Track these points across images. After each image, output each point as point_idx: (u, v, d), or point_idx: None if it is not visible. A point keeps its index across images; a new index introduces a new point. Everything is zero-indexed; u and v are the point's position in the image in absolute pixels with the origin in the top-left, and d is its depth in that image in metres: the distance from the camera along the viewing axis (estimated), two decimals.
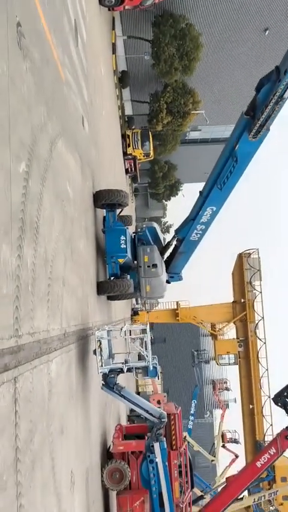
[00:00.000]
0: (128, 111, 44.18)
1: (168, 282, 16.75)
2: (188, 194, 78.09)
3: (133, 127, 42.73)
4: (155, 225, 15.47)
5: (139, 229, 14.91)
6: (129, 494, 12.00)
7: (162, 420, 10.11)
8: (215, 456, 35.44)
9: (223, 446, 34.76)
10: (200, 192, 13.01)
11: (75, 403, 8.61)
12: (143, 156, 40.02)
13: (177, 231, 14.87)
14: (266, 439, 33.24)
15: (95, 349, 9.55)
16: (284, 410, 19.09)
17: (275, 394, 19.92)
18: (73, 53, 11.08)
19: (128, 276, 15.20)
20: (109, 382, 9.80)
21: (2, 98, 5.07)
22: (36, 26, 7.09)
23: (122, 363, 9.93)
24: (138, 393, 41.90)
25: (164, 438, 10.09)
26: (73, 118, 10.47)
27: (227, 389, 37.72)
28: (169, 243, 15.50)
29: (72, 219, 9.34)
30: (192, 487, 18.04)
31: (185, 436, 34.21)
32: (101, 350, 9.47)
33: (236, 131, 11.33)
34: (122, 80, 37.33)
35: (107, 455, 13.21)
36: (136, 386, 40.62)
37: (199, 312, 38.94)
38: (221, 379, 36.87)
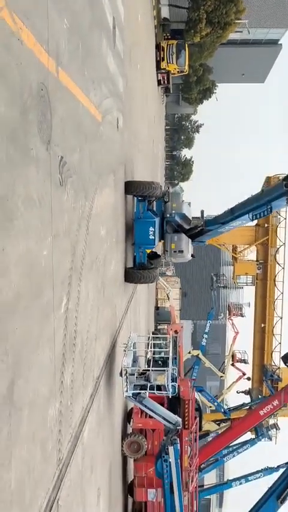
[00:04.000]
0: (165, 14, 40.51)
1: (193, 256, 17.24)
2: (222, 97, 73.94)
3: (167, 35, 39.59)
4: (185, 208, 15.49)
5: (168, 214, 15.10)
6: (144, 461, 13.99)
7: (178, 428, 11.52)
8: (224, 373, 38.63)
9: (232, 365, 37.68)
10: (232, 209, 12.94)
11: (103, 430, 9.91)
12: (177, 72, 37.66)
13: (206, 223, 15.00)
14: (273, 363, 35.61)
15: (121, 372, 10.62)
16: None
17: (285, 354, 21.35)
18: (110, 63, 10.53)
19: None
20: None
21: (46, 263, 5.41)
22: (81, 118, 6.97)
23: (145, 380, 11.06)
24: (157, 308, 44.40)
25: (178, 440, 11.57)
26: (109, 143, 10.33)
27: (241, 315, 39.70)
28: (197, 227, 15.70)
29: (104, 261, 9.79)
30: (200, 429, 20.42)
31: (198, 354, 37.10)
32: (126, 377, 10.55)
33: (275, 194, 10.97)
34: None
35: (127, 420, 15.11)
36: (155, 300, 42.88)
37: (222, 234, 39.20)
38: (237, 304, 38.66)
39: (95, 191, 8.55)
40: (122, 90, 13.02)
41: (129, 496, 14.96)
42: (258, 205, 11.48)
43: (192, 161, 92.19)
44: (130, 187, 13.70)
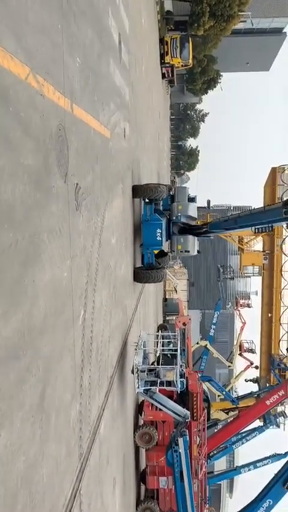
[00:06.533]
0: (168, 7, 40.60)
1: (198, 251, 17.84)
2: (227, 86, 73.74)
3: (171, 26, 39.78)
4: (191, 209, 16.07)
5: (174, 217, 15.71)
6: (155, 451, 14.81)
7: (186, 421, 12.26)
8: (232, 362, 39.43)
9: (240, 354, 38.46)
10: (236, 220, 13.39)
11: (117, 423, 10.67)
12: (182, 66, 37.92)
13: (210, 226, 15.59)
14: (280, 353, 36.30)
15: (133, 370, 11.35)
16: None
17: None
18: (117, 77, 11.09)
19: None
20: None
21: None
22: (93, 141, 7.59)
23: (155, 376, 11.79)
24: (165, 299, 45.12)
25: (187, 432, 12.31)
26: (117, 155, 10.93)
27: (249, 306, 40.35)
28: (202, 227, 16.30)
29: (115, 266, 10.46)
30: (209, 419, 21.23)
31: (206, 344, 37.86)
32: (138, 374, 11.28)
33: (275, 217, 11.26)
34: None
35: (139, 412, 15.90)
36: (163, 292, 43.59)
37: None
38: (244, 293, 39.23)
39: (106, 205, 9.20)
40: (128, 99, 13.58)
41: (141, 484, 15.82)
42: (260, 222, 12.03)
43: (198, 150, 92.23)
44: (137, 191, 14.32)
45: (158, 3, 32.34)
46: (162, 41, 36.44)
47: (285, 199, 11.43)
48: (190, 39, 37.15)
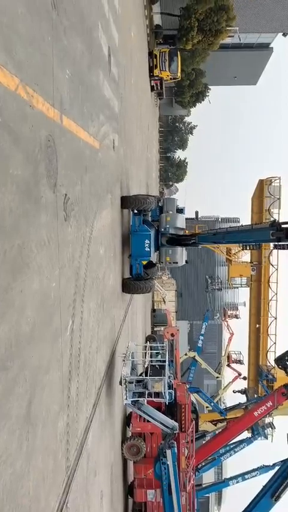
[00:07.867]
0: (157, 21, 41.12)
1: (186, 261, 17.93)
2: (215, 98, 74.64)
3: (160, 40, 40.26)
4: (179, 221, 16.17)
5: (163, 229, 15.81)
6: (143, 464, 14.68)
7: (175, 432, 12.22)
8: (220, 373, 39.41)
9: (228, 365, 38.47)
10: (224, 236, 13.48)
11: (105, 435, 10.58)
12: (170, 79, 38.33)
13: (199, 238, 15.70)
14: (267, 364, 36.37)
15: (121, 381, 11.30)
16: (284, 372, 21.40)
17: (277, 357, 22.07)
18: (107, 90, 11.18)
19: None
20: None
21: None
22: (82, 152, 7.63)
23: (143, 387, 11.74)
24: (153, 310, 45.14)
25: (175, 444, 12.26)
26: (106, 166, 10.99)
27: (237, 317, 40.50)
28: (190, 238, 16.39)
29: (103, 277, 10.45)
30: (197, 431, 21.14)
31: (194, 356, 37.82)
32: (126, 386, 11.22)
33: (261, 237, 11.36)
34: None
35: (126, 424, 15.78)
36: (152, 303, 43.61)
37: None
38: (232, 304, 39.37)
39: (95, 215, 9.22)
40: (117, 110, 13.68)
41: (129, 497, 15.65)
42: (247, 240, 12.16)
43: (186, 162, 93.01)
44: (126, 202, 14.37)
45: (148, 17, 32.75)
46: (151, 54, 36.82)
47: (272, 219, 11.61)
48: (179, 53, 37.55)
